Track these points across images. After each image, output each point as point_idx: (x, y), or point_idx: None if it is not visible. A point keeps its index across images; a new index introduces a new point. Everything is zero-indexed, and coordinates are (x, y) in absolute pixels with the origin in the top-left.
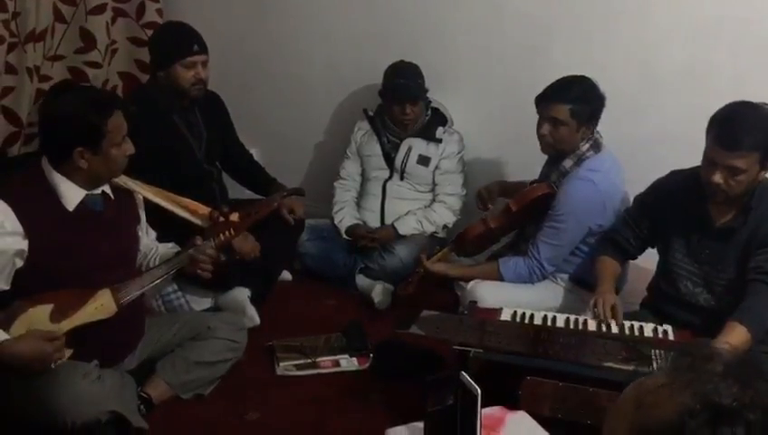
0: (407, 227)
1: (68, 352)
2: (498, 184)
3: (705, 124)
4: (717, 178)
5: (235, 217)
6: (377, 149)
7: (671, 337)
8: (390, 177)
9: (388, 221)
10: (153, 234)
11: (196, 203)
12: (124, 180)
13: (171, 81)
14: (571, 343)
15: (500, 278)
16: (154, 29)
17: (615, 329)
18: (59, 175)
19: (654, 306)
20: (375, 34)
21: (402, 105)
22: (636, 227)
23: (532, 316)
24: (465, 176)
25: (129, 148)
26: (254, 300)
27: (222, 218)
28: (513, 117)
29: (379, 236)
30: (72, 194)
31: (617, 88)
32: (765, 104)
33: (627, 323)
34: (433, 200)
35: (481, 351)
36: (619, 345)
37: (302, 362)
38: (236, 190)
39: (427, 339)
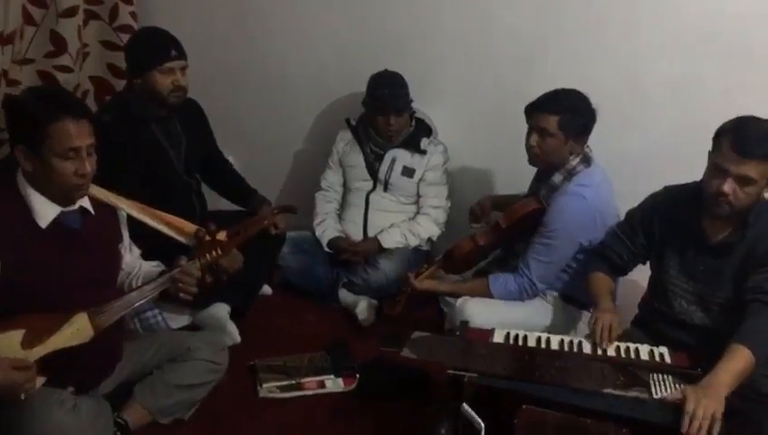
0: (391, 240)
1: (41, 380)
2: (490, 199)
3: (694, 138)
4: (727, 187)
5: (222, 235)
6: (360, 159)
7: (667, 360)
8: (374, 188)
9: (371, 233)
10: (137, 251)
11: (181, 220)
12: (106, 196)
13: (148, 88)
14: (568, 368)
15: (490, 295)
16: (128, 32)
17: (611, 351)
18: (32, 189)
19: (646, 325)
20: (358, 42)
21: (386, 116)
22: (629, 243)
23: (525, 338)
24: (450, 188)
25: (83, 167)
26: (233, 316)
27: (209, 237)
28: (499, 128)
29: (363, 249)
30: (45, 210)
31: (604, 101)
32: None
33: (622, 346)
34: (417, 213)
35: (476, 376)
36: (616, 370)
37: (285, 383)
38: (214, 201)
39: None
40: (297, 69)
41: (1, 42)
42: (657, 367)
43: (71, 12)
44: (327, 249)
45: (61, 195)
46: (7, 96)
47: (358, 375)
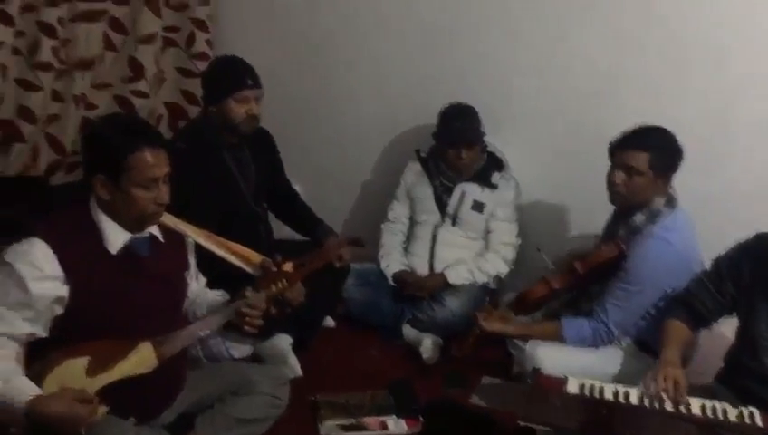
0: (457, 276)
1: (103, 410)
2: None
3: None
4: None
5: (288, 266)
6: (428, 191)
7: (759, 423)
8: (441, 222)
9: (437, 268)
10: (203, 280)
11: (248, 250)
12: (175, 223)
13: (223, 116)
14: (649, 426)
15: (561, 340)
16: (203, 60)
17: (695, 410)
18: (104, 215)
19: (732, 381)
20: (430, 73)
21: (458, 149)
22: (715, 291)
23: (602, 390)
24: (520, 224)
25: (161, 195)
26: (295, 347)
27: (275, 268)
28: (574, 164)
29: (429, 284)
30: (115, 236)
31: (687, 139)
32: None
33: (708, 404)
34: (485, 249)
35: (549, 430)
36: (702, 431)
37: (346, 422)
38: (278, 229)
39: None
40: (367, 100)
41: (82, 67)
42: (747, 430)
43: (149, 38)
44: (392, 283)
45: (136, 223)
46: (86, 125)
47: (421, 417)
